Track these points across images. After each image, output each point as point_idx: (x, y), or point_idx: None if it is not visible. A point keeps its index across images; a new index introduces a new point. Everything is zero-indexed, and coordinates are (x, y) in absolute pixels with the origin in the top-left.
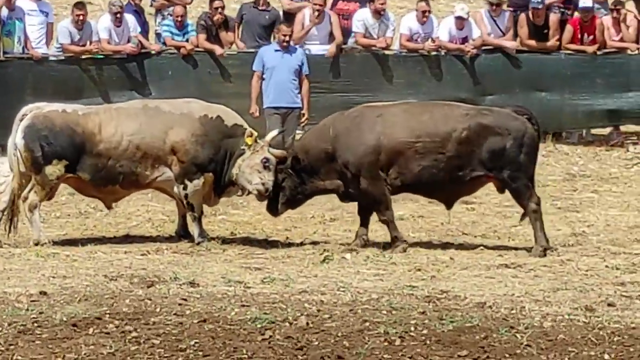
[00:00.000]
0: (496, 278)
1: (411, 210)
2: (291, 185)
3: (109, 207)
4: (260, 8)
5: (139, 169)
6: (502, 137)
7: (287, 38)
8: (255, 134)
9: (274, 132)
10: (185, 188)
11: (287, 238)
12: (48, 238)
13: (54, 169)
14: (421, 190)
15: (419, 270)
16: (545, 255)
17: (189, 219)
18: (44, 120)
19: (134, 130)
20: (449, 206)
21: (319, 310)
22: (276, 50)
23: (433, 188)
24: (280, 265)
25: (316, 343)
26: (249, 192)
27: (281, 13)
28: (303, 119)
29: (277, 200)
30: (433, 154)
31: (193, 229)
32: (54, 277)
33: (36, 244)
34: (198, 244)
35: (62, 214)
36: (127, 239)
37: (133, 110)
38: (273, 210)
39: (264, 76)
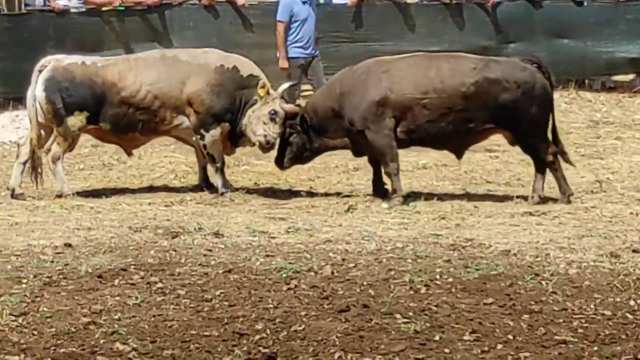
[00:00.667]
0: (521, 226)
1: (434, 159)
2: (299, 142)
3: (130, 154)
4: None
5: (158, 117)
6: (511, 90)
7: None
8: (268, 85)
9: (286, 85)
10: (202, 138)
11: (311, 188)
12: (71, 190)
13: (75, 120)
14: (430, 144)
15: (444, 218)
16: (570, 202)
17: (211, 169)
18: (63, 72)
19: (153, 80)
20: (459, 156)
21: (343, 260)
22: (303, 2)
23: (442, 141)
24: (305, 215)
25: (341, 292)
26: (254, 144)
27: None
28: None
29: (284, 154)
30: (441, 109)
31: (216, 180)
32: (78, 229)
33: (59, 196)
34: (222, 194)
35: (86, 166)
36: (151, 190)
37: (152, 60)
38: (279, 163)
39: (290, 27)
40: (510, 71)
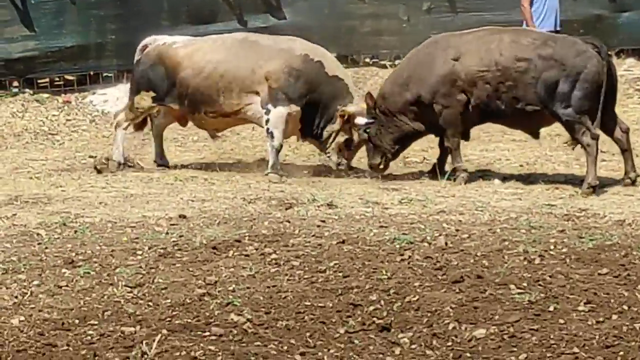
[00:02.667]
0: (635, 195)
1: (548, 129)
2: (380, 140)
3: (213, 137)
4: None
5: (222, 98)
6: (558, 70)
7: None
8: (348, 112)
9: (363, 121)
10: (267, 113)
11: (424, 158)
12: (121, 160)
13: (140, 99)
14: (495, 120)
15: (557, 189)
16: (593, 193)
17: (268, 146)
18: (146, 55)
19: (220, 60)
20: (535, 136)
21: (457, 230)
22: None
23: (504, 119)
24: (418, 186)
25: (455, 263)
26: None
27: None
28: None
29: (376, 158)
30: (496, 83)
31: (269, 157)
32: (192, 201)
33: (108, 160)
34: (266, 174)
35: (200, 138)
36: (264, 162)
37: (230, 42)
38: (377, 170)
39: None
40: (564, 51)
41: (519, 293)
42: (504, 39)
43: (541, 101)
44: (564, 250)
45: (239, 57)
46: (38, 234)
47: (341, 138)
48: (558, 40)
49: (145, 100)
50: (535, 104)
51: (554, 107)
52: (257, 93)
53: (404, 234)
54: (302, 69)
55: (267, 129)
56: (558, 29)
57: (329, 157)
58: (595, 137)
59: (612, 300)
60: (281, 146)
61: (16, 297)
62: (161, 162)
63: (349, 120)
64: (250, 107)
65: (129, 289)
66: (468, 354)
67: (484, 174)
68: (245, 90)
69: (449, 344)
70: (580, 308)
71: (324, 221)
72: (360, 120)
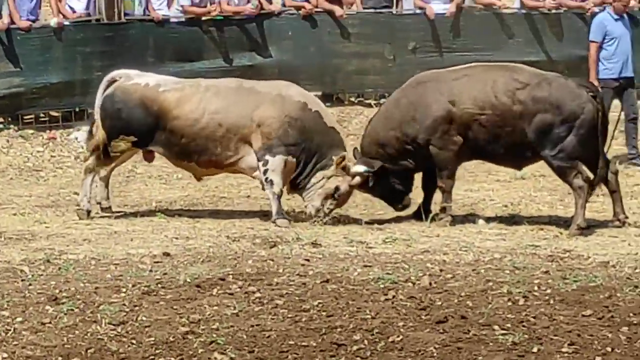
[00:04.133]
0: (619, 237)
1: (532, 170)
2: (387, 189)
3: (198, 180)
4: None
5: (219, 148)
6: (552, 114)
7: (626, 3)
8: (346, 160)
9: (361, 168)
10: (265, 164)
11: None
12: (90, 207)
13: (119, 144)
14: (484, 159)
15: (542, 229)
16: (580, 234)
17: (268, 194)
18: (123, 93)
19: (218, 109)
20: (518, 169)
21: (441, 270)
22: (616, 19)
23: (493, 159)
24: (402, 225)
25: (439, 303)
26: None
27: None
28: None
29: (394, 200)
30: (491, 126)
31: (271, 205)
32: (177, 239)
33: (78, 208)
34: (274, 221)
35: (184, 175)
36: (249, 199)
37: (224, 88)
38: (397, 209)
39: (603, 47)
40: (559, 94)
41: (502, 334)
42: (498, 79)
43: (534, 144)
44: (548, 291)
45: (236, 105)
46: (22, 271)
47: (331, 185)
48: (553, 82)
49: (123, 145)
50: (529, 147)
51: (545, 152)
52: (251, 141)
53: (387, 273)
54: (300, 118)
55: (267, 177)
56: (631, 75)
57: (309, 200)
58: (587, 181)
59: (595, 342)
60: (282, 192)
61: None
62: (106, 205)
63: (344, 168)
64: (246, 159)
65: (112, 327)
66: None
67: (468, 214)
68: (244, 139)
69: None
70: (564, 349)
71: (308, 260)
72: (359, 168)
